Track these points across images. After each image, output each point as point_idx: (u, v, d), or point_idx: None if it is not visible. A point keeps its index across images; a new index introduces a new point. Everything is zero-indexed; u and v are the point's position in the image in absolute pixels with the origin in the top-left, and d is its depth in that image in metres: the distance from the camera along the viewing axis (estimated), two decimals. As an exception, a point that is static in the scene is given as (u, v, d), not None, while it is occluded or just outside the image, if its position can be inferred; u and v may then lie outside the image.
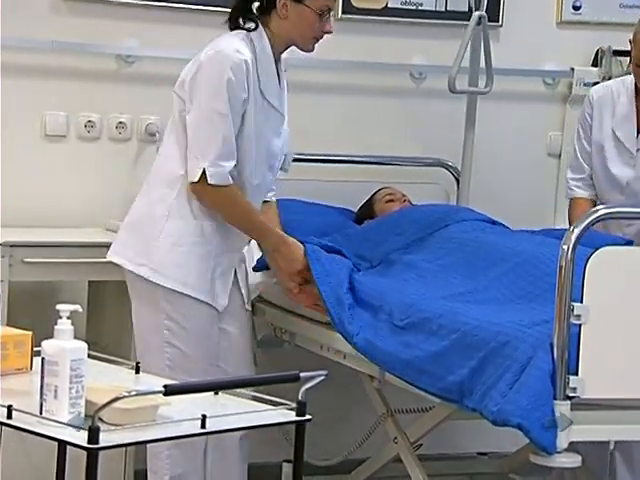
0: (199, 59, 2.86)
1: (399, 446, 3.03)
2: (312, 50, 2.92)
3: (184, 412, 1.97)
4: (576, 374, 2.36)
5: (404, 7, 3.79)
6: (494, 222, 3.38)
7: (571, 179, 3.48)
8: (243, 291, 3.02)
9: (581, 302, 2.36)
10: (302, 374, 2.06)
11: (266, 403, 2.10)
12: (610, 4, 4.00)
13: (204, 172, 2.79)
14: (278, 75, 2.93)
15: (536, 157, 4.02)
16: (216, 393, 2.11)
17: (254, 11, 2.90)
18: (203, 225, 2.88)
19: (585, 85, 3.96)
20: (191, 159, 2.83)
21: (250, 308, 3.07)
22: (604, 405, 2.41)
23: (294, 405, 2.03)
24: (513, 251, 2.93)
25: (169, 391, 1.87)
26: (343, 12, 3.74)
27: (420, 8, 3.82)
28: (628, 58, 3.97)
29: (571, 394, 2.34)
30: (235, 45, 2.83)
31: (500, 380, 2.39)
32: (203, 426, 1.92)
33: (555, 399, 2.34)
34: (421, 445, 3.15)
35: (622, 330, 2.39)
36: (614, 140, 3.37)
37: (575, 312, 2.35)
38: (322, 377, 2.10)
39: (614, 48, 3.97)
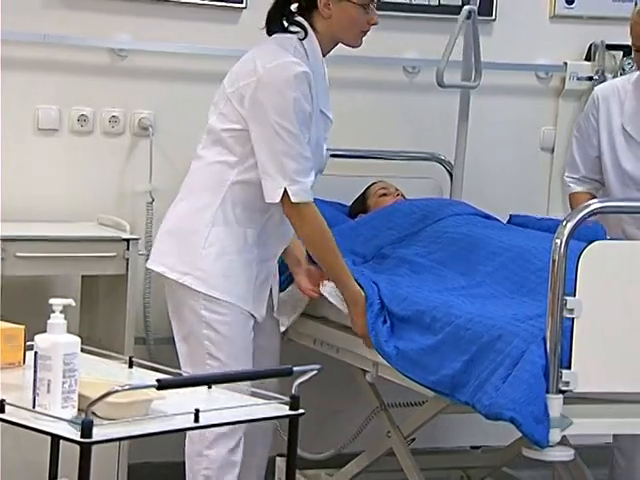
0: (257, 71, 2.71)
1: (392, 440, 3.03)
2: (360, 45, 2.84)
3: (178, 406, 1.96)
4: (569, 368, 2.36)
5: (397, 1, 3.79)
6: (487, 216, 3.38)
7: (567, 177, 3.49)
8: (274, 300, 2.95)
9: (574, 296, 2.36)
10: (295, 368, 2.06)
11: (260, 397, 2.10)
12: (603, -2, 4.02)
13: (285, 192, 2.68)
14: (325, 77, 2.86)
15: (529, 151, 4.02)
16: (209, 387, 2.11)
17: (293, 11, 2.80)
18: (246, 232, 2.79)
19: (578, 79, 3.97)
20: (266, 179, 2.71)
21: (278, 317, 2.99)
22: (597, 399, 2.41)
23: (287, 399, 2.03)
24: (506, 245, 2.94)
25: (162, 385, 1.87)
26: (336, 6, 3.74)
27: (413, 2, 3.81)
28: (621, 52, 3.99)
29: (564, 388, 2.34)
30: (290, 55, 2.72)
31: (493, 374, 2.40)
32: (197, 420, 1.92)
33: (548, 393, 2.34)
34: (414, 439, 3.16)
35: (615, 324, 2.39)
36: (624, 136, 3.33)
37: (568, 306, 2.35)
38: (315, 371, 2.10)
39: (607, 42, 3.97)
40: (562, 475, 3.13)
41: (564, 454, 2.34)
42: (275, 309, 2.95)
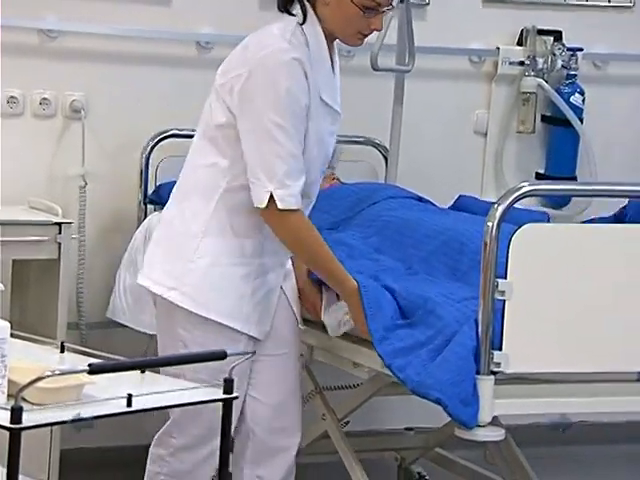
0: (248, 61, 2.48)
1: (327, 423, 3.05)
2: (358, 45, 2.59)
3: (110, 391, 1.95)
4: (500, 349, 2.38)
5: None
6: (421, 199, 3.41)
7: None
8: (294, 308, 2.68)
9: (505, 278, 2.38)
10: (229, 351, 2.06)
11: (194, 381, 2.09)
12: (534, -16, 4.06)
13: (272, 196, 2.43)
14: (332, 66, 2.58)
15: (463, 135, 4.06)
16: (143, 372, 2.09)
17: None
18: (244, 244, 2.53)
19: (510, 64, 4.01)
20: (254, 182, 2.45)
21: (303, 327, 2.74)
22: (528, 379, 2.45)
23: (221, 383, 2.03)
24: (440, 229, 2.95)
25: (94, 370, 1.86)
26: (271, -10, 3.72)
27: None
28: (552, 37, 4.04)
29: (495, 369, 2.37)
30: (287, 42, 2.46)
31: (423, 348, 2.41)
32: (129, 405, 1.91)
33: (479, 374, 2.37)
34: (348, 422, 3.17)
35: (546, 305, 2.42)
36: None
37: (499, 288, 2.38)
38: (249, 355, 2.10)
39: (538, 27, 4.01)
40: (494, 455, 3.17)
41: (495, 434, 2.37)
42: (296, 315, 2.69)
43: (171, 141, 3.61)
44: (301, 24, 2.50)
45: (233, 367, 2.02)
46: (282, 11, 2.54)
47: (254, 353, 2.14)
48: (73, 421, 1.84)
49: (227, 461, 2.07)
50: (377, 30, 2.55)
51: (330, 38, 2.55)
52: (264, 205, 2.45)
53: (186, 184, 2.58)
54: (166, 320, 2.56)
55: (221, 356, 2.05)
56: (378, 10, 2.50)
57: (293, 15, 2.52)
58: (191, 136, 3.56)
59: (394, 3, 2.53)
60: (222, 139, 2.52)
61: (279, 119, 2.43)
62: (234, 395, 2.02)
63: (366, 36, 2.56)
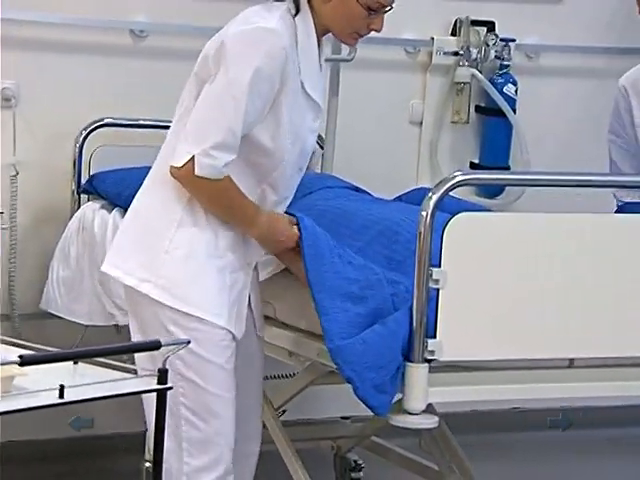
0: (227, 31, 2.40)
1: (263, 413, 3.04)
2: (352, 45, 2.56)
3: (42, 383, 1.92)
4: (434, 337, 2.40)
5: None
6: (357, 189, 3.41)
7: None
8: (255, 313, 2.59)
9: (439, 267, 2.40)
10: (163, 341, 2.05)
11: (128, 372, 2.08)
12: (468, -26, 4.08)
13: (192, 159, 2.35)
14: (319, 60, 2.49)
15: (398, 125, 4.07)
16: (75, 363, 2.07)
17: None
18: (218, 235, 2.44)
19: (445, 54, 4.03)
20: (182, 141, 2.38)
21: (263, 334, 2.65)
22: (462, 367, 2.46)
23: (156, 373, 2.01)
24: (375, 218, 2.96)
25: (25, 361, 1.83)
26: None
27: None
28: (485, 28, 4.06)
29: (429, 357, 2.38)
30: (274, 25, 2.36)
31: (346, 314, 2.42)
32: (61, 396, 1.89)
33: (413, 362, 2.38)
34: (285, 411, 3.17)
35: (479, 294, 2.44)
36: None
37: (433, 277, 2.39)
38: (184, 344, 2.09)
39: (472, 18, 4.04)
40: (428, 442, 3.20)
41: (429, 422, 2.39)
42: (257, 321, 2.61)
43: (105, 130, 3.57)
44: (294, 15, 2.42)
45: (167, 357, 2.01)
46: None
47: (189, 342, 2.11)
48: (3, 413, 1.81)
49: (162, 455, 2.06)
50: (376, 31, 2.47)
51: (321, 33, 2.47)
52: (179, 165, 2.37)
53: (160, 172, 2.48)
54: (142, 315, 2.43)
55: (156, 346, 2.04)
56: (380, 11, 2.43)
57: (281, 1, 2.43)
58: (126, 125, 3.62)
59: (394, 4, 2.46)
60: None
61: (237, 92, 2.34)
62: (168, 386, 2.00)
63: (362, 36, 2.49)
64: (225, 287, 2.43)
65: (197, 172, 2.35)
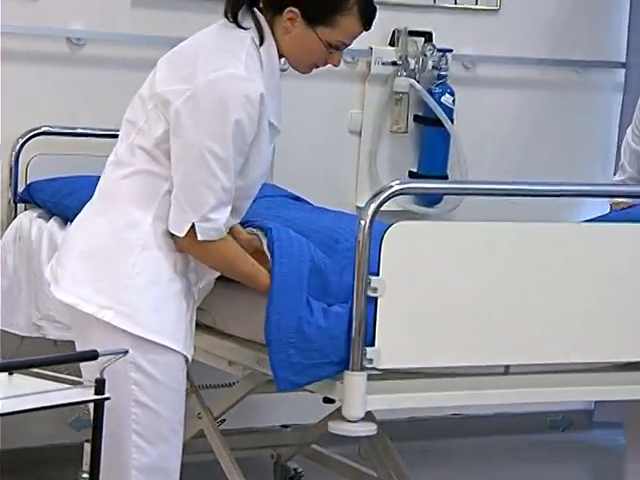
0: (196, 77, 2.28)
1: (202, 421, 3.03)
2: (307, 73, 2.48)
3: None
4: (373, 345, 2.40)
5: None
6: (297, 198, 3.42)
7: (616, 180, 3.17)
8: None
9: (377, 275, 2.40)
10: (101, 351, 2.03)
11: (65, 382, 2.06)
12: (405, -14, 4.11)
13: (193, 227, 2.30)
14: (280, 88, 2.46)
15: (338, 134, 4.08)
16: (11, 374, 2.05)
17: (259, 4, 2.37)
18: (177, 259, 2.38)
19: (383, 64, 4.05)
20: (177, 207, 2.30)
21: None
22: (400, 374, 2.47)
23: (93, 384, 2.00)
24: (315, 227, 2.96)
25: (-41, 372, 1.81)
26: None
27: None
28: (422, 38, 4.09)
29: (368, 365, 2.39)
30: (243, 69, 2.28)
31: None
32: (-4, 407, 1.87)
33: (351, 370, 2.38)
34: (224, 420, 3.16)
35: (417, 302, 2.44)
36: None
37: (372, 285, 2.40)
38: (121, 355, 2.07)
39: (410, 29, 4.06)
40: (367, 450, 3.21)
41: (368, 429, 2.39)
42: None
43: (42, 138, 3.54)
44: (258, 45, 2.35)
45: (104, 368, 1.99)
46: (230, 21, 2.37)
47: (126, 352, 2.10)
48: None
49: (99, 462, 2.04)
50: (335, 66, 2.45)
51: (280, 56, 2.42)
52: (183, 234, 2.32)
53: (113, 192, 2.37)
54: (96, 343, 2.27)
55: (93, 356, 2.02)
56: (340, 48, 2.41)
57: (243, 28, 2.36)
58: (63, 134, 3.58)
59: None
60: (158, 148, 2.35)
61: (220, 150, 2.26)
62: (105, 396, 1.99)
63: (318, 67, 2.46)
64: (183, 311, 2.39)
65: (200, 238, 2.31)
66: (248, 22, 2.37)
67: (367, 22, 2.40)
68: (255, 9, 2.38)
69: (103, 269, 2.35)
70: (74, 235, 2.45)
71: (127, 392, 2.30)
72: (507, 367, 2.53)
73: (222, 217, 2.32)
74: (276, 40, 2.38)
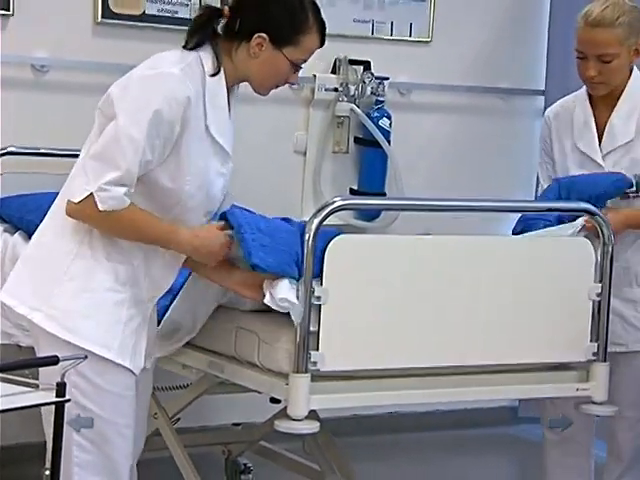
0: (132, 74, 2.28)
1: (158, 421, 3.00)
2: (266, 95, 2.44)
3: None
4: (317, 349, 2.39)
5: (161, 14, 3.73)
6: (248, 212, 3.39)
7: None
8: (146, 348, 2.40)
9: (321, 285, 2.39)
10: (61, 356, 1.99)
11: (27, 386, 2.01)
12: (345, 19, 4.09)
13: (90, 197, 2.20)
14: (229, 108, 2.38)
15: (284, 154, 4.08)
16: (-25, 378, 2.00)
17: (218, 30, 2.33)
18: (118, 269, 2.29)
19: (326, 90, 4.05)
20: (79, 176, 2.24)
21: (151, 366, 2.47)
22: (342, 376, 2.46)
23: (54, 387, 1.96)
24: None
25: None
26: (102, 16, 3.65)
27: (175, 16, 3.78)
28: (362, 67, 4.10)
29: (312, 367, 2.37)
30: (177, 71, 2.25)
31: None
32: (-39, 410, 1.82)
33: (296, 372, 2.36)
34: (179, 419, 3.13)
35: (357, 309, 2.43)
36: (578, 154, 2.85)
37: (316, 294, 2.38)
38: (81, 360, 2.03)
39: (350, 58, 4.08)
40: (311, 445, 3.19)
41: (311, 427, 2.37)
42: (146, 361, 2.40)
43: (9, 158, 3.48)
44: (212, 75, 2.30)
45: (65, 372, 1.95)
46: (190, 45, 2.32)
47: (85, 357, 2.06)
48: None
49: (59, 464, 2.00)
50: (293, 84, 2.45)
51: (234, 82, 2.37)
52: (76, 200, 2.22)
53: (62, 204, 2.29)
54: (37, 344, 2.28)
55: (54, 361, 1.98)
56: (300, 66, 2.41)
57: (196, 50, 2.31)
58: (29, 153, 3.52)
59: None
60: None
61: (135, 132, 2.21)
62: (66, 398, 1.95)
63: (278, 87, 2.44)
64: (120, 321, 2.28)
65: (101, 208, 2.20)
66: (206, 52, 2.33)
67: (323, 38, 2.42)
68: (214, 41, 2.34)
69: (40, 274, 2.30)
70: (29, 244, 2.43)
71: (69, 393, 2.06)
72: (438, 369, 2.52)
73: (120, 190, 2.21)
74: (234, 64, 2.34)
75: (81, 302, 2.26)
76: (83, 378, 2.25)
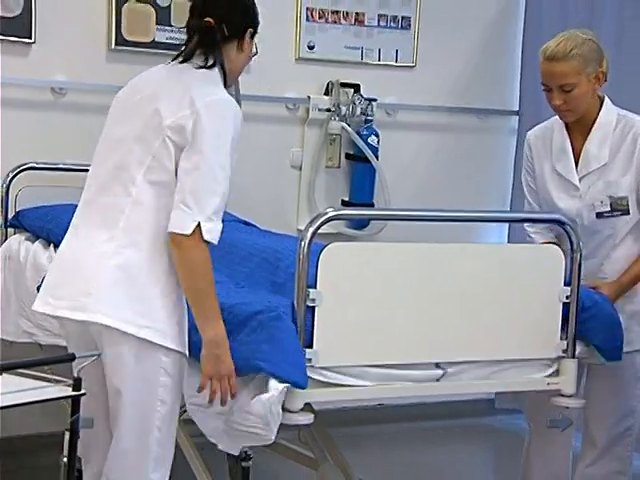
0: (194, 104, 2.21)
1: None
2: (231, 86, 2.41)
3: (-31, 392, 1.85)
4: (311, 347, 2.39)
5: (169, 41, 3.74)
6: (246, 223, 3.40)
7: (527, 227, 2.93)
8: None
9: (315, 288, 2.39)
10: (77, 354, 1.99)
11: (47, 381, 2.01)
12: (337, 45, 4.10)
13: (198, 226, 2.18)
14: None
15: (281, 169, 4.08)
16: (0, 374, 2.00)
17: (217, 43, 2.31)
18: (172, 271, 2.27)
19: (319, 110, 4.07)
20: (182, 209, 2.18)
21: None
22: (335, 371, 2.45)
23: (71, 382, 1.96)
24: (260, 247, 2.95)
25: (-46, 374, 1.76)
26: (116, 43, 3.66)
27: (183, 43, 3.77)
28: (352, 89, 4.12)
29: (307, 364, 2.37)
30: (224, 92, 2.27)
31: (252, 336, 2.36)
32: (-15, 403, 1.82)
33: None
34: (185, 411, 3.11)
35: (349, 310, 2.43)
36: (556, 176, 2.82)
37: (310, 296, 2.38)
38: (95, 357, 2.04)
39: (341, 81, 4.09)
40: (306, 435, 3.19)
41: (305, 418, 2.36)
42: None
43: (29, 173, 3.49)
44: (225, 84, 2.31)
45: (81, 368, 1.95)
46: (184, 60, 2.31)
47: (99, 355, 2.06)
48: None
49: (76, 448, 1.99)
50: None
51: (229, 82, 2.37)
52: (189, 232, 2.17)
53: (136, 227, 2.24)
54: (133, 358, 2.24)
55: (71, 358, 1.98)
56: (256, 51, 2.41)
57: (199, 65, 2.29)
58: (47, 168, 3.53)
59: None
60: (173, 179, 2.23)
61: (224, 161, 2.20)
62: (82, 392, 1.95)
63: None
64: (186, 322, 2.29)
65: (206, 237, 2.18)
66: (201, 60, 2.30)
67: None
68: (218, 51, 2.31)
69: (138, 293, 2.25)
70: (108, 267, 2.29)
71: (155, 394, 2.23)
72: (426, 364, 2.52)
73: (220, 222, 2.22)
74: (232, 63, 2.33)
75: (174, 314, 2.25)
76: (171, 378, 2.26)
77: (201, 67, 2.28)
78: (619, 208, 2.76)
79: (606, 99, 2.81)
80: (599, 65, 2.72)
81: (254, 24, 2.35)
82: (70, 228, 2.34)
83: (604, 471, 2.90)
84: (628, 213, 2.76)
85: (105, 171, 2.30)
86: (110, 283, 2.23)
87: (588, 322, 2.63)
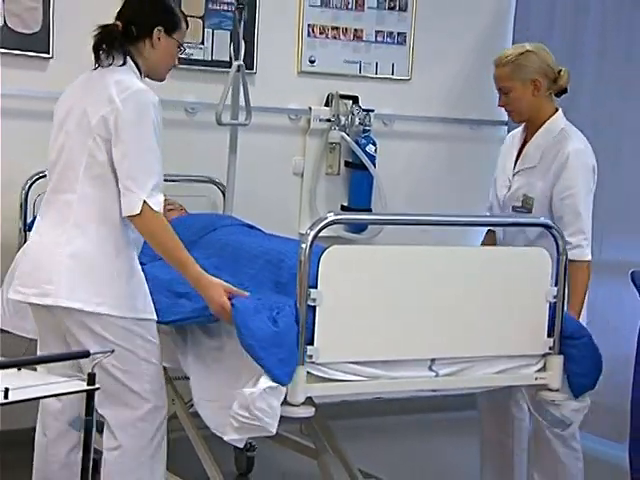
0: (114, 99, 2.36)
1: (176, 406, 2.99)
2: (164, 80, 2.55)
3: (-10, 386, 1.84)
4: (312, 344, 2.38)
5: (178, 56, 3.74)
6: (251, 226, 3.39)
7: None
8: None
9: (316, 288, 2.38)
10: (92, 351, 1.98)
11: (63, 376, 2.00)
12: (337, 59, 4.11)
13: (145, 203, 2.33)
14: None
15: (284, 176, 4.08)
16: (19, 369, 1.99)
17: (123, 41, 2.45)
18: (130, 250, 2.46)
19: (320, 121, 4.07)
20: (126, 194, 2.35)
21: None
22: (335, 367, 2.44)
23: (85, 377, 1.95)
24: (265, 249, 2.95)
25: (-25, 369, 1.75)
26: (129, 58, 3.65)
27: (191, 57, 3.79)
28: (351, 100, 4.12)
29: (308, 360, 2.36)
30: (141, 83, 2.41)
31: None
32: (6, 397, 1.81)
33: (296, 364, 2.35)
34: (192, 405, 3.11)
35: (348, 309, 2.43)
36: (502, 172, 2.96)
37: (311, 296, 2.37)
38: (109, 353, 2.03)
39: (340, 93, 4.08)
40: (307, 427, 3.18)
41: (307, 411, 2.35)
42: None
43: (46, 180, 3.46)
44: (143, 77, 2.46)
45: (95, 363, 1.95)
46: (100, 63, 2.45)
47: (112, 351, 2.05)
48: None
49: (91, 440, 1.98)
50: (176, 64, 2.54)
51: (145, 77, 2.50)
52: (139, 211, 2.34)
53: (79, 217, 2.40)
54: (109, 332, 2.43)
55: (85, 355, 1.97)
56: (182, 47, 2.54)
57: (115, 65, 2.43)
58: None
59: None
60: (107, 170, 2.38)
61: (150, 144, 2.35)
62: (96, 387, 1.94)
63: (170, 70, 2.54)
64: (143, 284, 2.50)
65: (155, 209, 2.34)
66: (129, 62, 2.46)
67: (187, 20, 2.56)
68: (128, 49, 2.45)
69: (93, 275, 2.42)
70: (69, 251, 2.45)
71: (138, 357, 2.46)
72: (423, 361, 2.51)
73: (161, 194, 2.37)
74: (148, 60, 2.47)
75: (131, 287, 2.43)
76: (147, 341, 2.47)
77: (116, 66, 2.43)
78: (526, 206, 2.86)
79: (559, 112, 2.90)
80: (538, 74, 2.81)
81: (165, 23, 2.46)
82: (34, 224, 2.55)
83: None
84: (530, 212, 2.85)
85: (56, 173, 2.48)
86: (66, 270, 2.40)
87: (570, 349, 2.61)
